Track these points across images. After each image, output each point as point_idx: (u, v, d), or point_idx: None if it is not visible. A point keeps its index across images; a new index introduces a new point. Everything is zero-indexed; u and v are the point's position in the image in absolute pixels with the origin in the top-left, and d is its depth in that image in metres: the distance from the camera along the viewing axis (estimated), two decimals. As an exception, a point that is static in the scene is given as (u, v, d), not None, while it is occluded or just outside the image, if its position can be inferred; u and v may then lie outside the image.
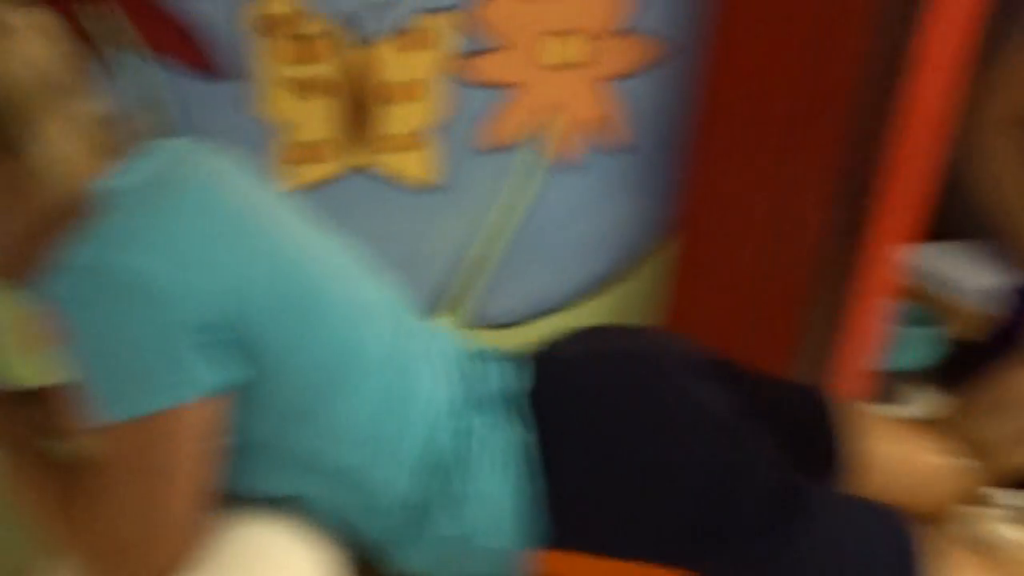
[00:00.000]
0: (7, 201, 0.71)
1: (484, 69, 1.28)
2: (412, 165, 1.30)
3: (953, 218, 1.51)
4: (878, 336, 1.41)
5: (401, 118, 1.26)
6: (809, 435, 0.95)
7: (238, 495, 0.79)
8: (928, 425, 1.10)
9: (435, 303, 1.42)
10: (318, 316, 0.77)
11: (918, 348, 1.63)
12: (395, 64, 1.21)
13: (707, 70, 1.46)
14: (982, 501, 1.08)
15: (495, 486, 0.81)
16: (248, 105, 1.14)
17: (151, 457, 0.69)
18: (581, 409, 0.86)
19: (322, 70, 1.17)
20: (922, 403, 1.60)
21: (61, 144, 0.71)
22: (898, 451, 0.99)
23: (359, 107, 1.22)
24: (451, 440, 0.81)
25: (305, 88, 1.17)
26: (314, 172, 1.23)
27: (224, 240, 0.72)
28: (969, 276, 1.75)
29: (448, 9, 1.21)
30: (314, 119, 1.20)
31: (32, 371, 0.87)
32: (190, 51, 1.07)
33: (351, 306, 0.81)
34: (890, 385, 1.59)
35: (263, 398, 0.74)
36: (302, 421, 0.76)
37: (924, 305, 1.70)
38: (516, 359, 0.92)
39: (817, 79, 1.31)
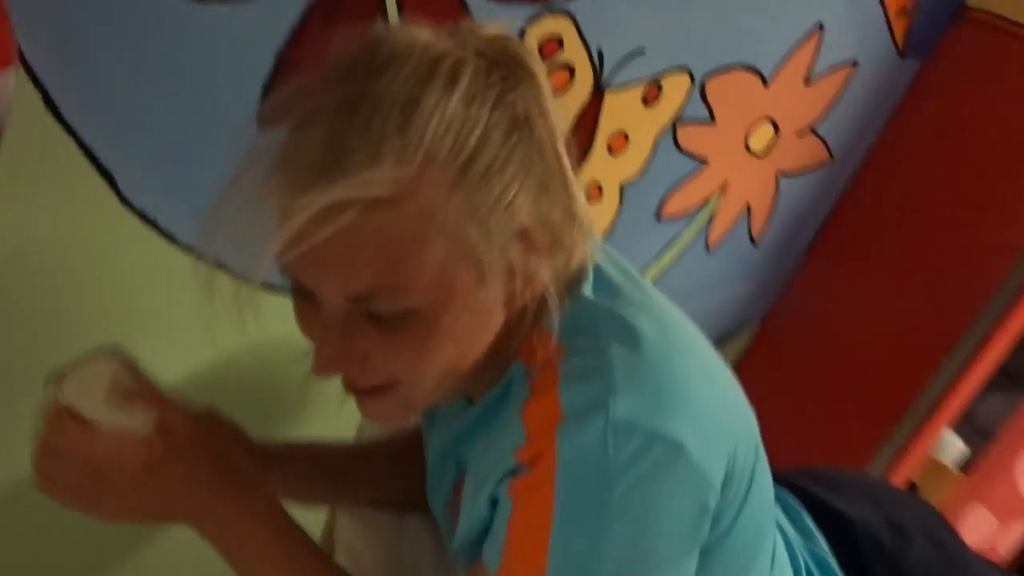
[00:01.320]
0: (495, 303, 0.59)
1: (692, 139, 1.26)
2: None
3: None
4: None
5: (603, 167, 1.21)
6: None
7: None
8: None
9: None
10: (760, 469, 0.66)
11: None
12: (623, 114, 1.16)
13: (856, 185, 1.51)
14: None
15: None
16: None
17: None
18: None
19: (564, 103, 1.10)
20: None
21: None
22: None
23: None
24: None
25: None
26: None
27: (728, 395, 0.62)
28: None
29: (686, 71, 1.18)
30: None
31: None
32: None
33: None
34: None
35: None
36: None
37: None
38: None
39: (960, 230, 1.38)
